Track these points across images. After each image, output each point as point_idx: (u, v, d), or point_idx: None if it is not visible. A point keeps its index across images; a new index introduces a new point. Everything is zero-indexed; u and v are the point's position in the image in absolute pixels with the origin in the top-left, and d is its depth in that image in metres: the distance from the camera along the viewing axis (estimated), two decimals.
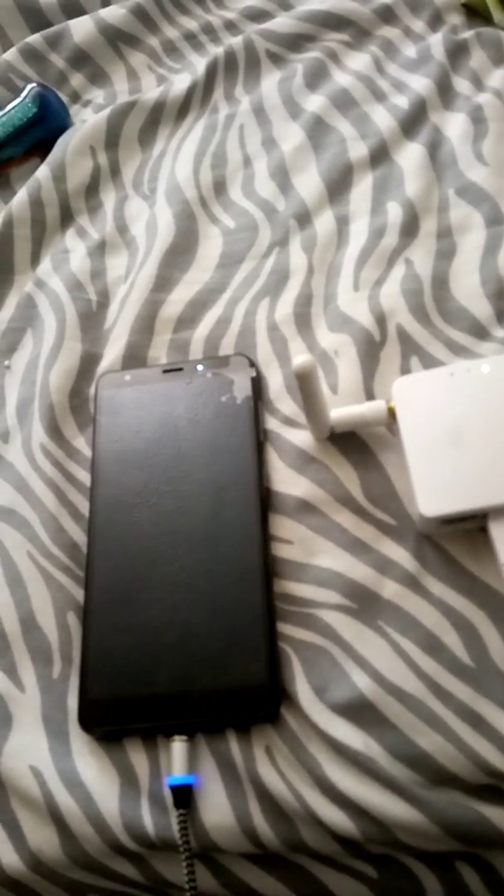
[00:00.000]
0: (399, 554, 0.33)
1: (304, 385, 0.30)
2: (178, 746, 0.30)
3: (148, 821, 0.30)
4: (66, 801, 0.30)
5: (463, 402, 0.33)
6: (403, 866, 0.31)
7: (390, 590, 0.32)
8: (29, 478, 0.38)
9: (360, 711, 0.30)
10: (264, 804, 0.29)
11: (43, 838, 0.30)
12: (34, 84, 0.53)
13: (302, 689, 0.31)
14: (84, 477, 0.38)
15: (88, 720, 0.31)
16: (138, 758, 0.31)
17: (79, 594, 0.35)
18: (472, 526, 0.33)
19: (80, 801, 0.30)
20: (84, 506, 0.37)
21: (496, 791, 0.29)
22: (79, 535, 0.36)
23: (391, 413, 0.35)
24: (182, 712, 0.30)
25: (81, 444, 0.39)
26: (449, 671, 0.30)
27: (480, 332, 0.38)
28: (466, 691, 0.30)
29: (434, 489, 0.32)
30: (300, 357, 0.29)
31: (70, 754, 0.31)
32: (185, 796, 0.29)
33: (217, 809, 0.30)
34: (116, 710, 0.31)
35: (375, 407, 0.35)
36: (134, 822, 0.30)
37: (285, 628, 0.33)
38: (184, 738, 0.30)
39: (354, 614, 0.32)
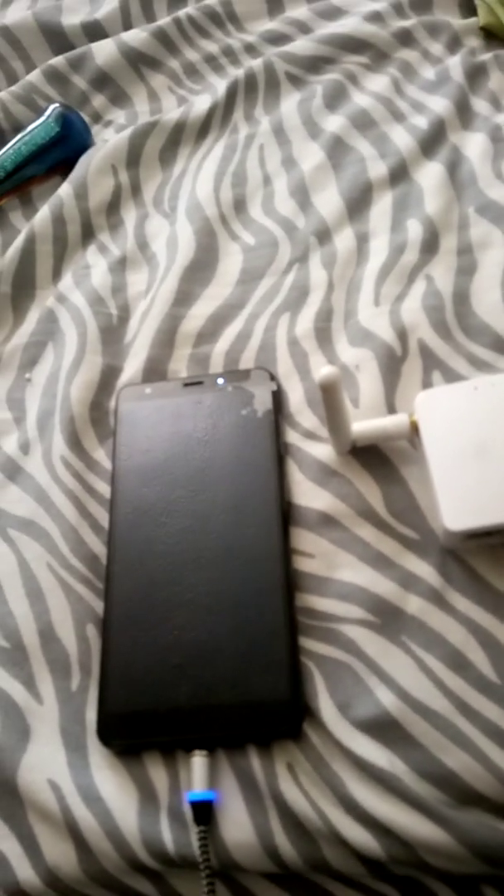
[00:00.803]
0: (423, 569, 0.33)
1: (327, 397, 0.30)
2: (199, 761, 0.30)
3: (167, 837, 0.29)
4: (84, 815, 0.30)
5: (487, 416, 0.33)
6: (427, 889, 0.30)
7: (414, 605, 0.32)
8: (49, 489, 0.38)
9: (384, 729, 0.30)
10: (286, 822, 0.29)
11: (60, 853, 0.29)
12: (57, 104, 0.54)
13: (325, 704, 0.30)
14: (104, 489, 0.38)
15: (107, 733, 0.31)
16: (157, 773, 0.30)
17: (98, 606, 0.35)
18: (497, 541, 0.32)
19: (99, 816, 0.30)
20: (104, 518, 0.37)
21: None
22: (99, 548, 0.36)
23: (414, 427, 0.34)
24: (202, 727, 0.30)
25: (101, 456, 0.39)
26: (475, 689, 0.30)
27: (502, 348, 0.38)
28: (494, 709, 0.29)
29: (459, 503, 0.32)
30: (325, 368, 0.29)
31: (88, 768, 0.31)
32: (205, 812, 0.29)
33: (238, 826, 0.29)
34: (135, 723, 0.31)
35: (398, 420, 0.35)
36: (153, 839, 0.29)
37: (307, 643, 0.32)
38: (204, 752, 0.30)
39: (378, 629, 0.32)
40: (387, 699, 0.30)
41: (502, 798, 0.28)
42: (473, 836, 0.28)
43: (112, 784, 0.30)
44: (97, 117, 0.58)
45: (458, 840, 0.28)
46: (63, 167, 0.54)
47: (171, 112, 0.54)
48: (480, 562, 0.33)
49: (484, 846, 0.28)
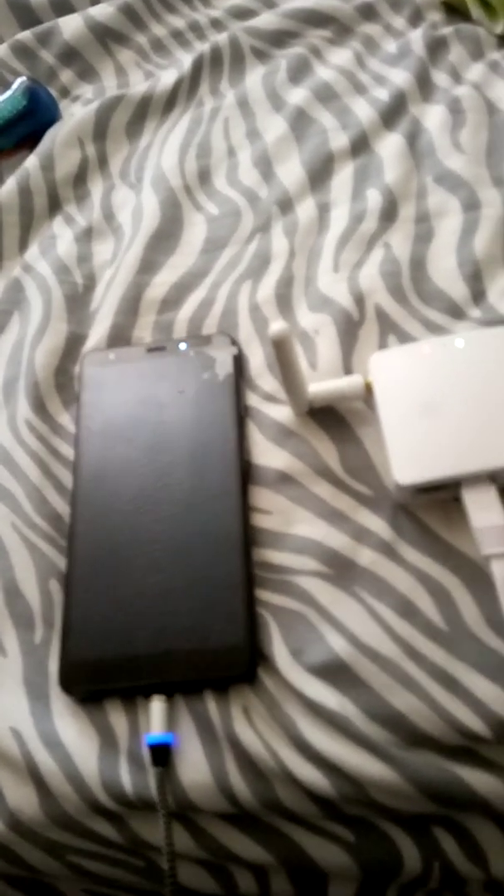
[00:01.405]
0: (375, 523, 0.34)
1: (280, 353, 0.31)
2: (157, 706, 0.31)
3: (126, 779, 0.30)
4: (45, 760, 0.31)
5: (437, 375, 0.34)
6: (381, 831, 0.31)
7: (366, 557, 0.33)
8: (13, 451, 0.39)
9: (335, 673, 0.31)
10: (241, 763, 0.30)
11: (22, 797, 0.30)
12: (24, 78, 0.54)
13: (279, 651, 0.31)
14: (68, 452, 0.39)
15: (69, 681, 0.32)
16: (118, 718, 0.31)
17: (61, 563, 0.35)
18: (446, 496, 0.33)
19: (60, 760, 0.31)
20: (68, 480, 0.38)
21: (471, 753, 0.30)
22: (62, 508, 0.37)
23: (368, 387, 0.35)
24: (161, 672, 0.31)
25: (66, 420, 0.40)
26: (423, 634, 0.31)
27: (456, 312, 0.39)
28: (440, 654, 0.31)
29: (409, 458, 0.33)
30: (276, 324, 0.30)
31: (50, 715, 0.32)
32: (163, 755, 0.30)
33: (194, 768, 0.30)
34: (96, 671, 0.32)
35: (353, 381, 0.36)
36: (112, 781, 0.30)
37: (263, 595, 0.33)
38: (162, 697, 0.31)
39: (331, 580, 0.33)
40: (338, 645, 0.31)
41: (448, 739, 0.29)
42: (420, 775, 0.29)
43: (73, 730, 0.31)
44: (65, 92, 0.58)
45: (405, 779, 0.29)
46: (30, 141, 0.54)
47: (138, 86, 0.54)
48: (430, 516, 0.34)
49: (430, 785, 0.29)
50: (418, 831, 0.31)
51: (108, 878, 0.32)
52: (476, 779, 0.29)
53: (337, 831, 0.31)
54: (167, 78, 0.54)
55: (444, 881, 0.32)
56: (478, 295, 0.39)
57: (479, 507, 0.31)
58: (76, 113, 0.53)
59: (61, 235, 0.47)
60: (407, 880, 0.32)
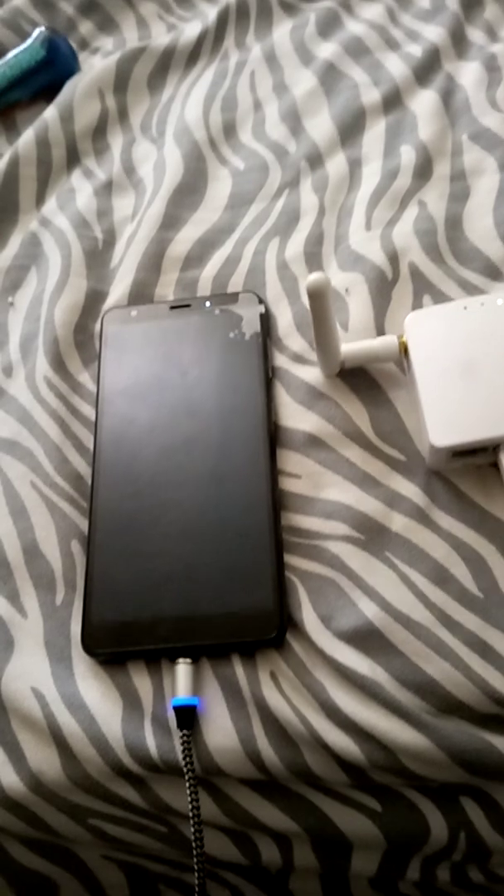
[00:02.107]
0: (408, 489, 0.33)
1: (315, 305, 0.30)
2: (183, 669, 0.30)
3: (151, 742, 0.29)
4: (68, 722, 0.30)
5: (476, 335, 0.33)
6: (408, 800, 0.30)
7: (399, 523, 0.32)
8: (32, 410, 0.37)
9: (366, 639, 0.30)
10: (269, 727, 0.29)
11: (44, 759, 0.30)
12: (43, 28, 0.52)
13: (308, 617, 0.31)
14: (88, 411, 0.38)
15: (92, 643, 0.31)
16: (142, 681, 0.31)
17: (83, 524, 0.34)
18: (482, 461, 0.32)
19: (83, 722, 0.30)
20: (88, 439, 0.37)
21: (503, 721, 0.29)
22: (83, 468, 0.36)
23: (403, 347, 0.34)
24: (187, 636, 0.30)
25: (86, 378, 0.39)
26: (457, 601, 0.30)
27: (494, 273, 0.37)
28: (474, 621, 0.30)
29: (445, 420, 0.32)
30: (314, 274, 0.29)
31: (73, 678, 0.31)
32: (188, 717, 0.29)
33: (221, 732, 0.29)
34: (120, 633, 0.31)
35: (387, 341, 0.34)
36: (136, 744, 0.29)
37: (292, 560, 0.32)
38: (188, 660, 0.30)
39: (362, 545, 0.32)
40: (370, 610, 0.30)
41: (481, 706, 0.29)
42: (452, 741, 0.28)
43: (96, 692, 0.31)
44: (84, 44, 0.56)
45: (437, 745, 0.28)
46: (48, 93, 0.52)
47: (160, 38, 0.52)
48: (464, 481, 0.33)
49: (462, 751, 0.28)
50: (446, 801, 0.30)
51: (129, 843, 0.31)
52: None
53: (364, 800, 0.30)
54: (191, 30, 0.52)
55: (468, 853, 0.31)
56: None
57: None
58: (96, 65, 0.51)
59: (80, 189, 0.45)
60: (431, 851, 0.31)
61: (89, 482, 0.35)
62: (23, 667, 0.31)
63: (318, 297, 0.29)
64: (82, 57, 0.55)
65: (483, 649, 0.29)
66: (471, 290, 0.37)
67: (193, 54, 0.51)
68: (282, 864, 0.32)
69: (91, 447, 0.36)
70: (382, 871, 0.32)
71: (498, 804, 0.30)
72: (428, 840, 0.31)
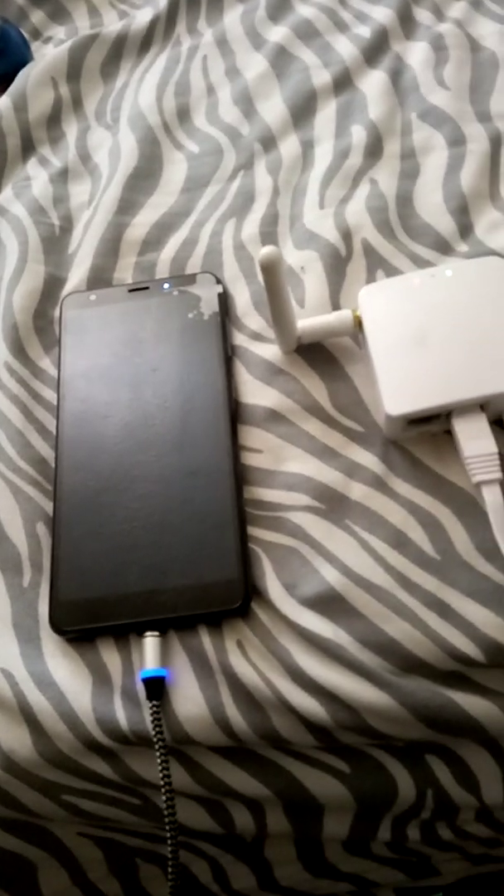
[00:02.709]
0: (366, 458, 0.34)
1: (269, 280, 0.30)
2: (150, 641, 0.30)
3: (121, 715, 0.30)
4: (37, 699, 0.30)
5: (427, 306, 0.34)
6: (375, 760, 0.31)
7: (358, 492, 0.33)
8: None
9: (329, 603, 0.30)
10: (237, 694, 0.30)
11: (15, 737, 0.30)
12: None
13: (272, 585, 0.31)
14: (50, 396, 0.38)
15: (60, 621, 0.31)
16: (111, 656, 0.31)
17: (48, 506, 0.35)
18: (437, 428, 0.33)
19: (53, 699, 0.30)
20: (51, 423, 0.37)
21: (464, 678, 0.30)
22: (46, 451, 0.36)
23: (357, 321, 0.35)
24: (153, 609, 0.31)
25: (47, 364, 0.39)
26: (415, 564, 0.31)
27: (444, 247, 0.38)
28: (432, 581, 0.31)
29: (399, 390, 0.32)
30: (265, 248, 0.29)
31: (42, 657, 0.31)
32: (157, 688, 0.29)
33: (190, 701, 0.30)
34: (87, 610, 0.31)
35: (342, 315, 0.35)
36: (107, 717, 0.30)
37: (256, 532, 0.33)
38: (155, 633, 0.30)
39: (323, 514, 0.32)
40: (331, 576, 0.31)
41: (441, 663, 0.30)
42: (414, 698, 0.29)
43: (65, 669, 0.31)
44: (36, 33, 0.56)
45: (400, 703, 0.29)
46: (1, 84, 0.52)
47: (112, 25, 0.52)
48: (420, 449, 0.33)
49: (425, 707, 0.29)
50: (412, 760, 0.31)
51: (103, 817, 0.32)
52: (469, 702, 0.29)
53: (332, 762, 0.31)
54: (142, 17, 0.52)
55: (437, 811, 0.32)
56: (465, 229, 0.38)
57: (470, 435, 0.31)
58: (49, 53, 0.51)
59: (36, 177, 0.45)
60: (400, 811, 0.32)
61: (53, 465, 0.36)
62: None
63: (271, 270, 0.30)
64: (34, 46, 0.55)
65: (441, 608, 0.30)
66: (422, 264, 0.38)
67: (146, 41, 0.51)
68: (255, 830, 0.32)
69: (54, 431, 0.37)
70: (354, 833, 0.32)
71: (463, 760, 0.31)
72: (396, 799, 0.31)
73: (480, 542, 0.31)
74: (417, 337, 0.33)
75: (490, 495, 0.30)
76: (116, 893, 0.34)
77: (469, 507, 0.32)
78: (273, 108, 0.45)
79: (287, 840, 0.33)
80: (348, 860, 0.34)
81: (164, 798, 0.29)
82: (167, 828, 0.29)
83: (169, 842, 0.29)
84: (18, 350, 0.39)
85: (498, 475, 0.31)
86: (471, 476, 0.31)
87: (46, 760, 0.30)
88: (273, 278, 0.30)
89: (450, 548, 0.31)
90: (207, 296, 0.38)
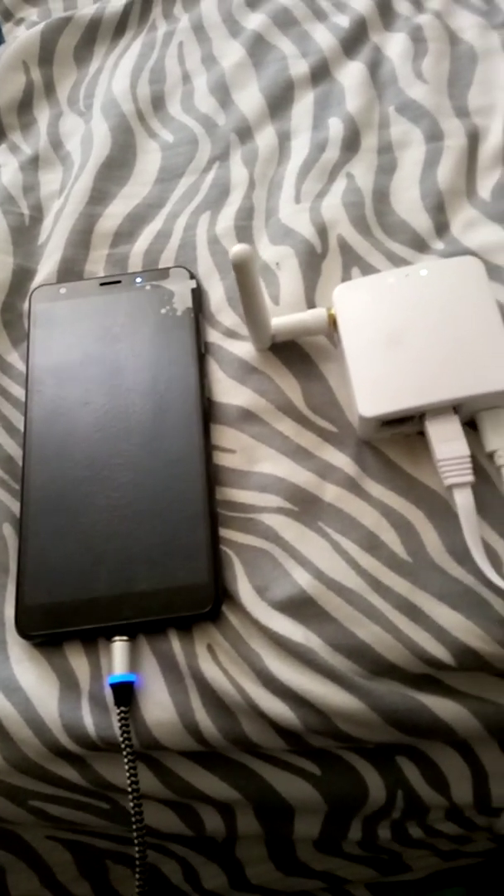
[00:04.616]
0: (340, 459, 0.33)
1: (241, 277, 0.30)
2: (119, 646, 0.30)
3: (88, 721, 0.29)
4: (3, 705, 0.30)
5: (401, 306, 0.33)
6: (346, 762, 0.31)
7: (331, 493, 0.33)
8: None
9: (300, 607, 0.30)
10: (206, 699, 0.29)
11: None
12: None
13: (243, 588, 0.31)
14: (18, 392, 0.37)
15: (26, 626, 0.31)
16: (78, 661, 0.31)
17: (15, 507, 0.34)
18: (410, 430, 0.33)
19: (18, 705, 0.30)
20: (18, 420, 0.36)
21: (434, 681, 0.30)
22: (14, 450, 0.35)
23: (332, 319, 0.34)
24: (122, 614, 0.30)
25: (15, 359, 0.38)
26: (387, 566, 0.31)
27: (420, 245, 0.38)
28: (404, 584, 0.30)
29: (373, 390, 0.32)
30: (237, 246, 0.29)
31: (7, 661, 0.31)
32: (125, 694, 0.29)
33: (159, 706, 0.29)
34: (55, 614, 0.30)
35: (316, 314, 0.35)
36: (74, 723, 0.29)
37: (228, 533, 0.32)
38: (124, 638, 0.30)
39: (296, 516, 0.32)
40: (303, 579, 0.31)
41: (412, 667, 0.29)
42: (384, 702, 0.29)
43: (32, 675, 0.30)
44: (7, 15, 0.54)
45: (370, 707, 0.29)
46: None
47: (86, 8, 0.51)
48: (394, 450, 0.33)
49: (395, 712, 0.29)
50: (383, 762, 0.31)
51: (72, 821, 0.31)
52: (440, 706, 0.29)
53: (302, 765, 0.31)
54: (117, 0, 0.50)
55: (407, 811, 0.32)
56: (441, 227, 0.38)
57: (443, 438, 0.31)
58: (20, 36, 0.50)
59: (6, 164, 0.44)
60: (371, 811, 0.32)
61: (20, 464, 0.35)
62: None
63: (243, 268, 0.29)
64: (6, 28, 0.53)
65: (412, 612, 0.30)
66: (398, 261, 0.37)
67: (120, 25, 0.50)
68: (226, 832, 0.32)
69: (21, 428, 0.36)
70: (325, 834, 0.33)
71: (432, 761, 0.31)
72: (367, 800, 0.31)
73: (452, 544, 0.31)
74: (391, 337, 0.33)
75: (461, 498, 0.30)
76: (87, 894, 0.34)
77: (441, 510, 0.32)
78: (250, 99, 0.44)
79: (258, 840, 0.33)
80: (319, 859, 0.34)
81: (131, 805, 0.29)
82: (135, 835, 0.29)
83: (137, 850, 0.29)
84: None
85: (469, 478, 0.30)
86: (443, 479, 0.31)
87: (13, 766, 0.30)
88: (245, 277, 0.30)
89: (421, 550, 0.31)
90: (181, 291, 0.37)
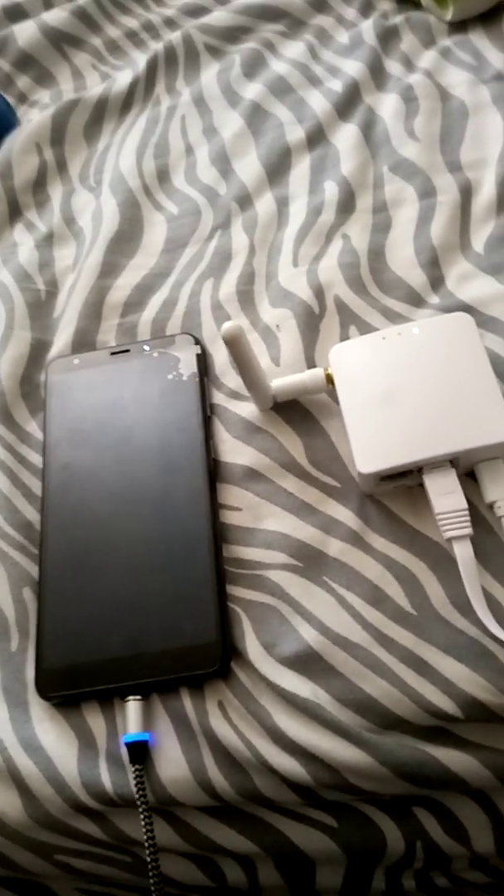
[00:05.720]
0: (343, 514, 0.34)
1: (235, 352, 0.31)
2: (133, 706, 0.31)
3: (106, 778, 0.31)
4: (26, 764, 0.31)
5: (395, 364, 0.35)
6: (362, 814, 0.32)
7: (335, 547, 0.34)
8: None
9: (307, 662, 0.31)
10: (218, 756, 0.30)
11: (5, 801, 0.31)
12: None
13: (251, 645, 0.32)
14: (36, 460, 0.39)
15: (45, 687, 0.32)
16: (95, 720, 0.32)
17: (34, 571, 0.36)
18: (410, 482, 0.34)
19: (40, 764, 0.31)
20: (37, 487, 0.38)
21: (442, 732, 0.30)
22: (33, 515, 0.37)
23: (329, 379, 0.36)
24: (136, 674, 0.31)
25: (33, 428, 0.40)
26: (392, 620, 0.32)
27: (416, 300, 0.39)
28: (409, 637, 0.31)
29: (370, 447, 0.33)
30: (227, 324, 0.30)
31: (30, 721, 0.32)
32: (140, 752, 0.30)
33: (173, 764, 0.30)
34: (72, 676, 0.32)
35: (314, 374, 0.36)
36: (92, 781, 0.31)
37: (235, 590, 0.34)
38: (138, 697, 0.31)
39: (301, 572, 0.33)
40: (309, 635, 0.31)
41: (419, 720, 0.30)
42: (393, 756, 0.29)
43: (52, 734, 0.32)
44: (22, 98, 0.58)
45: (378, 761, 0.29)
46: None
47: (94, 88, 0.54)
48: (396, 503, 0.34)
49: (403, 765, 0.29)
50: (399, 812, 0.32)
51: (96, 875, 0.32)
52: (450, 757, 0.30)
53: (319, 817, 0.32)
54: (123, 79, 0.54)
55: (429, 860, 0.32)
56: (436, 281, 0.39)
57: (441, 491, 0.32)
58: (33, 119, 0.53)
59: (22, 243, 0.47)
60: (391, 862, 0.32)
61: (38, 529, 0.37)
62: None
63: (234, 343, 0.31)
64: (21, 111, 0.57)
65: (418, 665, 0.31)
66: (394, 318, 0.39)
67: (126, 102, 0.53)
68: (248, 884, 0.33)
69: (39, 494, 0.38)
70: (348, 885, 0.33)
71: (450, 811, 0.32)
72: (385, 851, 0.32)
73: (455, 596, 0.31)
74: (386, 395, 0.34)
75: (461, 550, 0.31)
76: None
77: (444, 561, 0.32)
78: (249, 167, 0.46)
79: (282, 892, 0.34)
80: None
81: (148, 861, 0.30)
82: (152, 889, 0.29)
83: None
84: (5, 416, 0.40)
85: (468, 531, 0.31)
86: (442, 532, 0.31)
87: (36, 822, 0.31)
88: (238, 350, 0.31)
89: (426, 602, 0.32)
90: (186, 357, 0.39)
